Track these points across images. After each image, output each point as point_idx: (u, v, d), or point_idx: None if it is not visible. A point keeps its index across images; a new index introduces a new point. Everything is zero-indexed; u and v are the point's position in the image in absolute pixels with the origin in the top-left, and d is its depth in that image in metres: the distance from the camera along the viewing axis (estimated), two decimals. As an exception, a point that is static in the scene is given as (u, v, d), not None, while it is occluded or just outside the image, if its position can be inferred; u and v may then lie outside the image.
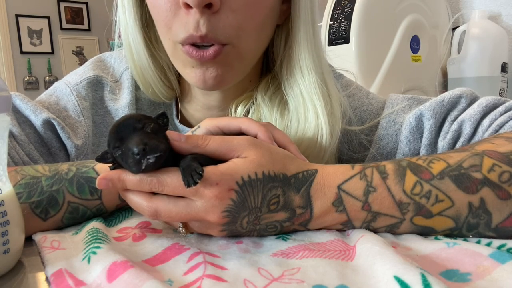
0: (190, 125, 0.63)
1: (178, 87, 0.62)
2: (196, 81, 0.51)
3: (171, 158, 0.35)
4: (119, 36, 0.58)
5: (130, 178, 0.35)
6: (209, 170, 0.34)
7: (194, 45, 0.48)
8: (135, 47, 0.56)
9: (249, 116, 0.57)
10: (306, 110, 0.54)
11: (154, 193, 0.35)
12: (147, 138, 0.33)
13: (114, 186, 0.35)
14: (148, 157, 0.32)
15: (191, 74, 0.51)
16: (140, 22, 0.56)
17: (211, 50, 0.48)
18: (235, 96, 0.59)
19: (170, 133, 0.36)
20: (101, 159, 0.36)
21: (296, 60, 0.54)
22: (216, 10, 0.46)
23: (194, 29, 0.46)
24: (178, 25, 0.48)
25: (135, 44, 0.56)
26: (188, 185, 0.32)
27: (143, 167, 0.33)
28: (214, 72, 0.50)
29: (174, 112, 0.63)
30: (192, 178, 0.32)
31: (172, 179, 0.34)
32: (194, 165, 0.33)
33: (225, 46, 0.48)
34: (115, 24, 0.58)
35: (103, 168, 0.42)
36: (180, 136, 0.36)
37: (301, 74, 0.54)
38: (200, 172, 0.33)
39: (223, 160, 0.37)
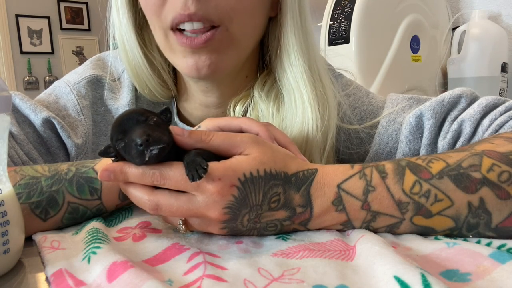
0: (190, 124, 0.63)
1: (174, 87, 0.62)
2: (189, 70, 0.51)
3: (173, 153, 0.35)
4: (114, 37, 0.59)
5: (132, 170, 0.35)
6: (212, 165, 0.34)
7: (183, 32, 0.48)
8: (129, 46, 0.57)
9: (248, 114, 0.58)
10: (295, 97, 0.54)
11: (156, 188, 0.35)
12: (150, 130, 0.33)
13: (116, 178, 0.35)
14: (151, 148, 0.32)
15: (183, 64, 0.51)
16: (133, 23, 0.56)
17: (203, 36, 0.48)
18: (232, 93, 0.59)
19: (173, 128, 0.36)
20: (104, 153, 0.36)
21: (284, 48, 0.55)
22: None
23: (182, 8, 0.46)
24: (166, 10, 0.48)
25: (129, 43, 0.56)
26: (192, 179, 0.32)
27: (146, 159, 0.33)
28: (208, 60, 0.50)
29: (175, 111, 0.63)
30: (197, 172, 0.32)
31: (175, 173, 0.34)
32: (198, 159, 0.33)
33: (218, 30, 0.49)
34: (109, 26, 0.58)
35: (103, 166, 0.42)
36: (183, 131, 0.36)
37: (289, 61, 0.54)
38: (205, 167, 0.33)
39: (225, 157, 0.37)
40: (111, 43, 0.60)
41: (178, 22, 0.48)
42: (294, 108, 0.54)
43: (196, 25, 0.48)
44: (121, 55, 0.59)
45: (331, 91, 0.56)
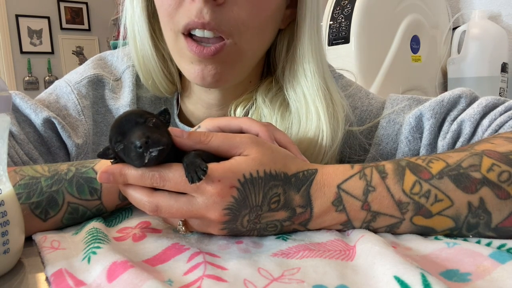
0: (190, 124, 0.63)
1: (179, 81, 0.62)
2: (194, 77, 0.51)
3: (173, 154, 0.35)
4: (125, 26, 0.58)
5: (131, 172, 0.35)
6: (212, 167, 0.34)
7: (195, 40, 0.49)
8: (140, 35, 0.57)
9: (249, 116, 0.57)
10: (308, 112, 0.54)
11: (155, 189, 0.35)
12: (150, 132, 0.33)
13: (115, 180, 0.35)
14: (150, 150, 0.32)
15: (190, 70, 0.51)
16: (146, 12, 0.56)
17: (212, 47, 0.48)
18: (235, 95, 0.59)
19: (172, 130, 0.36)
20: (103, 155, 0.36)
21: (300, 64, 0.55)
22: (221, 3, 0.46)
23: (197, 15, 0.47)
24: (180, 14, 0.48)
25: (140, 32, 0.56)
26: (192, 181, 0.32)
27: (146, 161, 0.33)
28: (213, 70, 0.50)
29: (175, 112, 0.63)
30: (196, 174, 0.32)
31: (174, 174, 0.34)
32: (198, 161, 0.33)
33: (227, 43, 0.49)
34: (121, 14, 0.58)
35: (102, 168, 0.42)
36: (182, 132, 0.36)
37: (304, 77, 0.54)
38: (204, 169, 0.33)
39: (225, 158, 0.37)
40: (121, 32, 0.59)
41: (191, 28, 0.48)
42: (305, 120, 0.54)
43: (207, 34, 0.48)
44: (129, 44, 0.59)
45: (340, 106, 0.56)
